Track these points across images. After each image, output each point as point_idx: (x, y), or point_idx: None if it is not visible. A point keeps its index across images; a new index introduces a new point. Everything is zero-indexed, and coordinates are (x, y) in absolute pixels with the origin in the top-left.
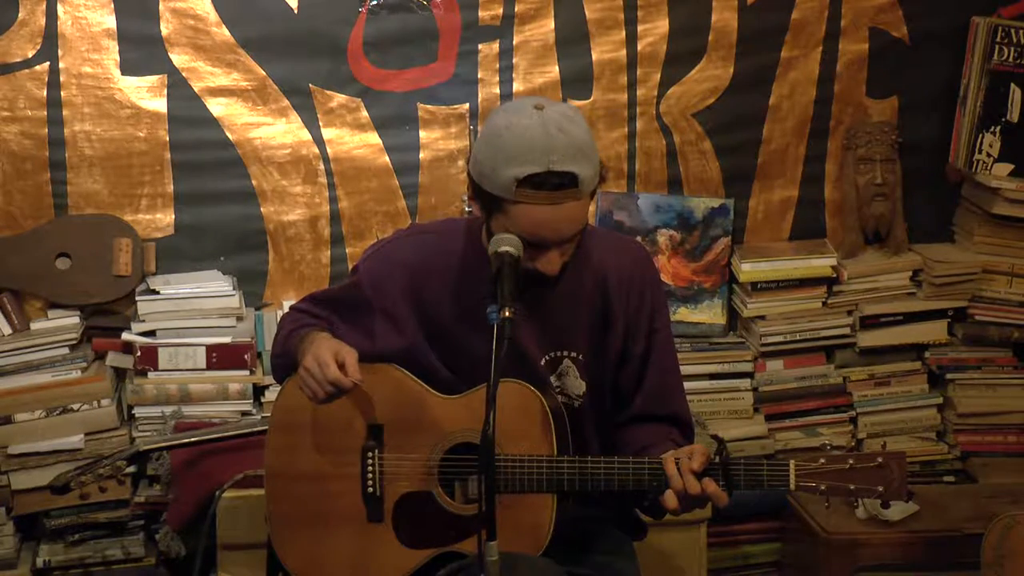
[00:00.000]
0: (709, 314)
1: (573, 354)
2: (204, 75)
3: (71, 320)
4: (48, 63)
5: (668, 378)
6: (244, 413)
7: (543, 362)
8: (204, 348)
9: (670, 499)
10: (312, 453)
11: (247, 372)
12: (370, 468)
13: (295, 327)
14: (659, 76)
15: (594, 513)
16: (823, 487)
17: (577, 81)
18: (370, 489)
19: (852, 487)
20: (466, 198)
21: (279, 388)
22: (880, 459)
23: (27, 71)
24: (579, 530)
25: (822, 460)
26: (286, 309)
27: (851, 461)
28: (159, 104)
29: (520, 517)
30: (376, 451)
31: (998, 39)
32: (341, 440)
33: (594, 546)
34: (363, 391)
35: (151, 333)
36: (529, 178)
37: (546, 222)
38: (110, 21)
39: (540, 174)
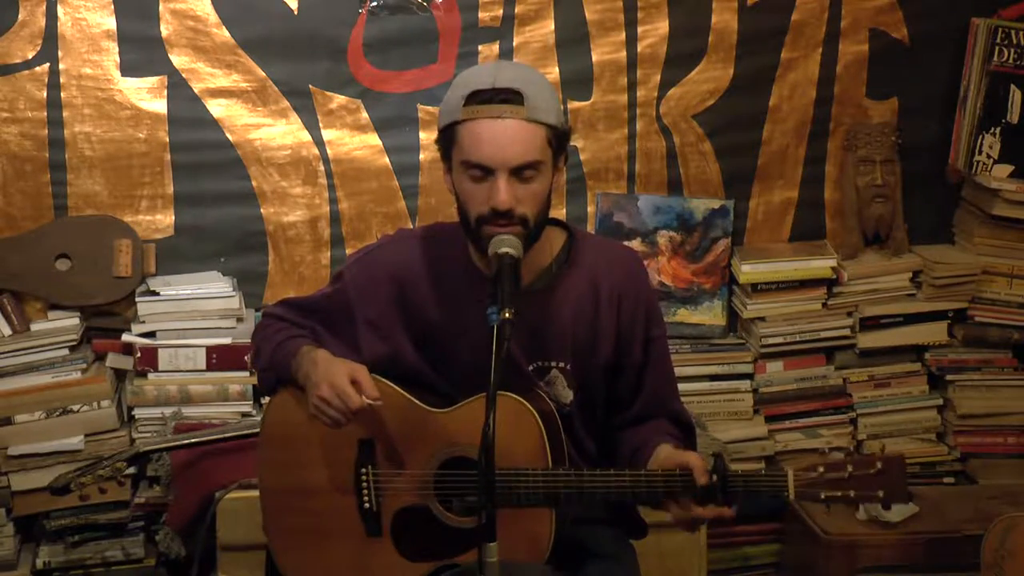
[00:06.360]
0: (709, 315)
1: (561, 364)
2: (204, 76)
3: (71, 321)
4: (48, 64)
5: (665, 385)
6: (244, 414)
7: (530, 369)
8: (204, 349)
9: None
10: (306, 468)
11: (247, 373)
12: (364, 483)
13: (282, 339)
14: (659, 77)
15: (594, 514)
16: (823, 495)
17: (577, 82)
18: (366, 504)
19: (852, 494)
20: None
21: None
22: (879, 464)
23: (27, 72)
24: (579, 531)
25: (821, 469)
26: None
27: (850, 468)
28: (159, 105)
29: (520, 527)
30: (369, 466)
31: (998, 40)
32: (333, 455)
33: (594, 547)
34: None
35: (151, 334)
36: (475, 94)
37: (490, 139)
38: (110, 22)
39: (485, 90)
